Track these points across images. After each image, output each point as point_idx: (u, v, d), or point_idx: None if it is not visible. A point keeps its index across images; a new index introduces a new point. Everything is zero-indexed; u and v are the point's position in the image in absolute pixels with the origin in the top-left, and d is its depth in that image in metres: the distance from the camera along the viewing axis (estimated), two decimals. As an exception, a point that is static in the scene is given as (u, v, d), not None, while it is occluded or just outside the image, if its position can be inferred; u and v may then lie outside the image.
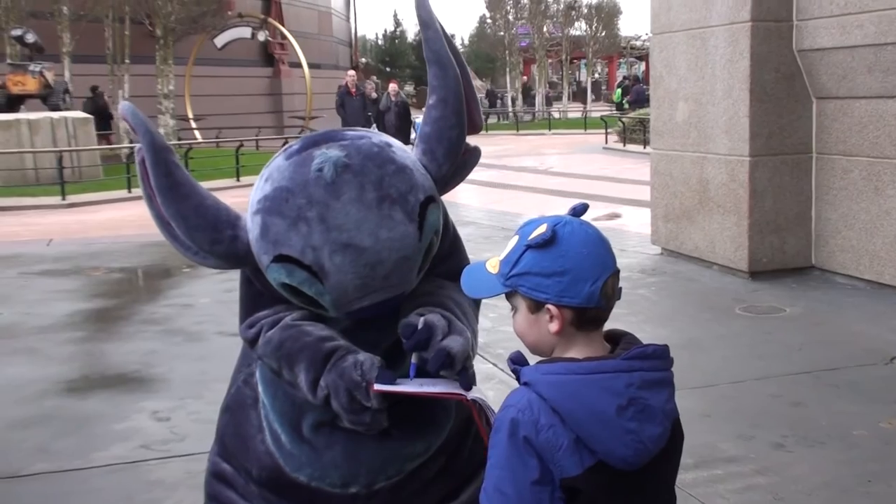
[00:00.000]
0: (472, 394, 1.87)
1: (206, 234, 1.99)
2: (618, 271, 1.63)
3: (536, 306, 1.61)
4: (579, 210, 1.67)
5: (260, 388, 2.19)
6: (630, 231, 9.91)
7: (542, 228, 1.59)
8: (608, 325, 1.68)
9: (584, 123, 34.20)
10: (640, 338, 1.68)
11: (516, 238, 1.64)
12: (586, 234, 1.61)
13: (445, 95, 2.08)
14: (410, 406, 2.05)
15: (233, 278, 2.24)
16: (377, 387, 1.86)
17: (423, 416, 2.10)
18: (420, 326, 1.89)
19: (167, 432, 4.44)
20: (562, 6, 46.63)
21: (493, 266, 1.67)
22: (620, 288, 1.64)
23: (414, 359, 1.90)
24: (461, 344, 1.89)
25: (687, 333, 5.85)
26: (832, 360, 5.22)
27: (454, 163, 2.11)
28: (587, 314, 1.60)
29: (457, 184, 2.19)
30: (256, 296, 2.12)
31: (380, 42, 75.22)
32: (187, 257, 2.07)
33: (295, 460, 2.12)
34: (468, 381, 1.88)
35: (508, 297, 1.66)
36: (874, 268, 6.81)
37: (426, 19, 2.09)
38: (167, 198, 1.97)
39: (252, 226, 1.97)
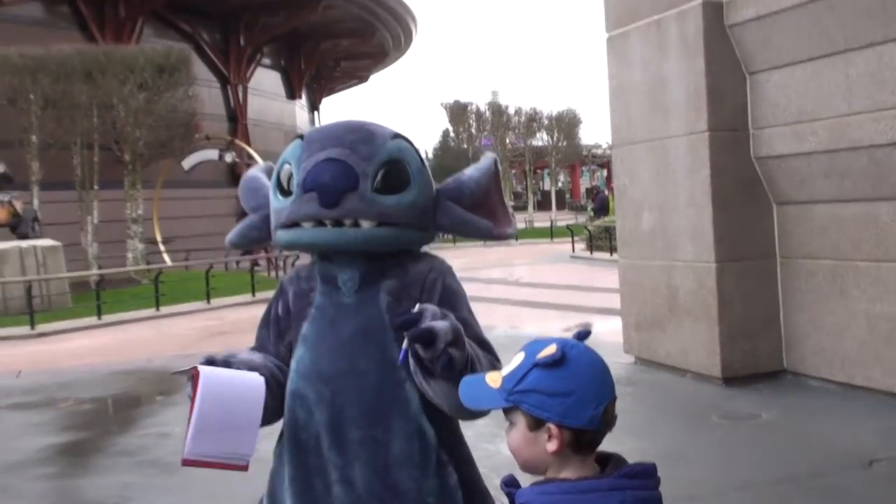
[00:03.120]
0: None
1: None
2: (615, 398, 1.67)
3: (537, 424, 1.64)
4: (583, 335, 1.73)
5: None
6: (603, 340, 9.91)
7: (552, 349, 1.64)
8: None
9: (551, 233, 34.59)
10: (618, 450, 1.73)
11: (522, 355, 1.68)
12: (592, 359, 1.67)
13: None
14: (376, 481, 2.11)
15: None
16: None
17: (390, 489, 2.13)
18: (414, 309, 1.96)
19: (145, 570, 4.34)
20: (523, 118, 47.69)
21: (493, 380, 1.71)
22: (616, 415, 1.69)
23: (405, 344, 1.94)
24: (446, 326, 1.93)
25: (665, 444, 5.84)
26: (812, 466, 5.22)
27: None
28: (585, 437, 1.64)
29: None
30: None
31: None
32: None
33: None
34: (449, 365, 1.93)
35: (506, 412, 1.69)
36: (845, 370, 6.88)
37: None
38: None
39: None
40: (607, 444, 1.73)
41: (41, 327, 15.16)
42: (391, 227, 2.16)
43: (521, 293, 16.69)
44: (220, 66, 36.36)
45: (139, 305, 17.05)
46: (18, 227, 19.53)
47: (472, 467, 2.28)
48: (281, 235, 2.22)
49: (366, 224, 2.13)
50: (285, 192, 2.19)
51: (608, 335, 10.00)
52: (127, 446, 6.69)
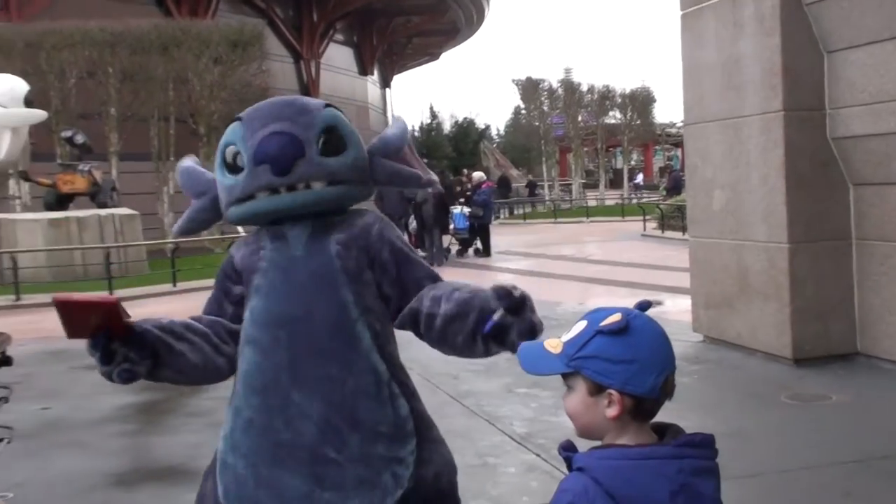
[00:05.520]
0: None
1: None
2: (675, 368, 1.70)
3: (597, 389, 1.68)
4: (645, 306, 1.76)
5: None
6: (671, 319, 9.86)
7: (617, 317, 1.67)
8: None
9: (622, 210, 34.31)
10: (684, 427, 1.74)
11: (584, 323, 1.72)
12: (655, 330, 1.70)
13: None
14: (336, 465, 2.22)
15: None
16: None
17: (352, 472, 2.24)
18: (517, 293, 2.12)
19: (215, 526, 4.47)
20: (596, 96, 47.17)
21: (553, 346, 1.75)
22: (675, 385, 1.72)
23: (497, 316, 2.12)
24: (538, 322, 2.14)
25: (732, 422, 5.81)
26: (882, 449, 5.15)
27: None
28: (644, 405, 1.68)
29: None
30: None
31: (416, 134, 76.37)
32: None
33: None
34: (531, 331, 2.13)
35: (565, 377, 1.73)
36: (920, 353, 6.74)
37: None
38: None
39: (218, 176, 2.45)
40: (672, 420, 1.76)
41: (119, 292, 15.52)
42: (339, 186, 2.35)
43: (591, 270, 16.60)
44: (293, 42, 36.72)
45: (212, 274, 17.23)
46: (97, 195, 20.04)
47: (419, 401, 2.44)
48: (235, 210, 2.38)
49: (317, 185, 2.31)
50: (233, 170, 2.35)
51: (677, 314, 9.93)
52: (197, 408, 6.87)
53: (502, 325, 2.12)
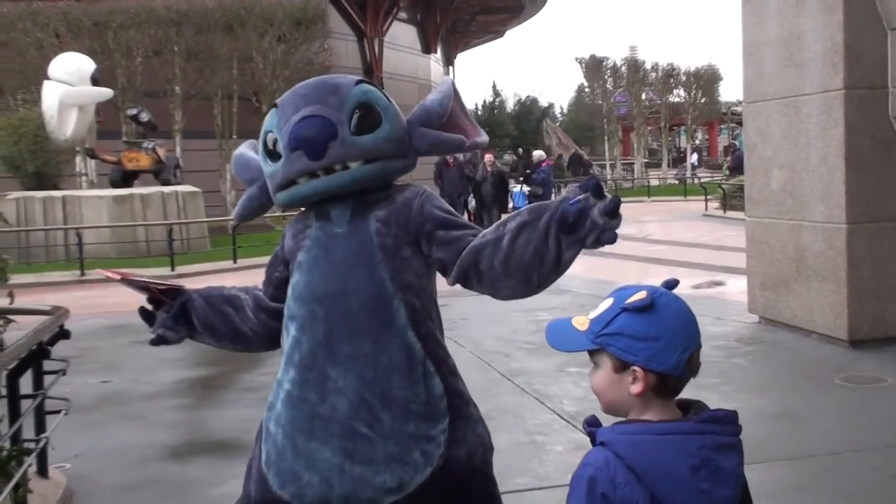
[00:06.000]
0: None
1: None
2: (700, 346, 1.71)
3: (622, 366, 1.70)
4: (672, 284, 1.78)
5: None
6: (729, 299, 9.79)
7: (642, 295, 1.69)
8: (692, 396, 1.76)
9: (684, 190, 33.89)
10: (735, 407, 1.76)
11: (610, 300, 1.74)
12: (680, 307, 1.72)
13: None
14: (367, 440, 2.26)
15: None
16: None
17: (382, 448, 2.28)
18: (596, 180, 2.17)
19: (264, 497, 4.56)
20: (660, 74, 46.56)
21: (580, 323, 1.77)
22: (700, 363, 1.72)
23: (582, 197, 2.11)
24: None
25: (784, 403, 5.74)
26: (936, 433, 5.06)
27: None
28: (668, 382, 1.69)
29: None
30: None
31: (479, 112, 76.17)
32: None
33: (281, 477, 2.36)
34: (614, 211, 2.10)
35: (592, 354, 1.76)
36: (982, 337, 6.59)
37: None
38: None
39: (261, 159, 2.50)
40: (723, 400, 1.76)
41: (181, 268, 15.88)
42: (377, 163, 2.35)
43: (651, 250, 16.45)
44: (357, 20, 36.78)
45: (272, 251, 17.53)
46: (161, 173, 20.41)
47: (458, 379, 2.44)
48: (280, 196, 2.42)
49: (353, 165, 2.32)
50: (274, 157, 2.38)
51: (734, 294, 9.84)
52: (251, 383, 6.99)
53: (586, 207, 2.09)
